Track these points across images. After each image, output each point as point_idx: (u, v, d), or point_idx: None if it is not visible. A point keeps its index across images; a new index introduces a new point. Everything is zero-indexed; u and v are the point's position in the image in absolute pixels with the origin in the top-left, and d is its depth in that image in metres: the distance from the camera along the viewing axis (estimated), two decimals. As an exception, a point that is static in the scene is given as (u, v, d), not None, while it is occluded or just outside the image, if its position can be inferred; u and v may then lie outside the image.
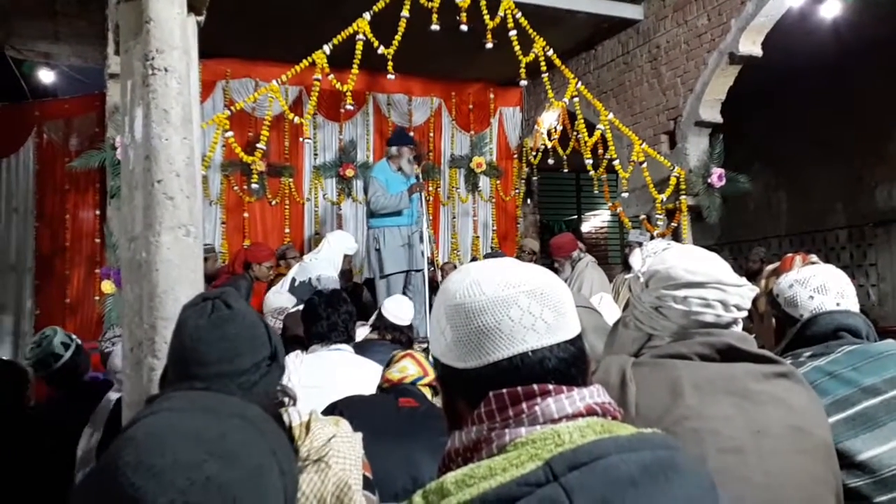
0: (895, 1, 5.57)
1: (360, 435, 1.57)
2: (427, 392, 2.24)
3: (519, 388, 0.84)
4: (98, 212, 6.83)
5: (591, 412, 0.84)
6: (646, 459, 0.78)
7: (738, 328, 1.40)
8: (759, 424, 1.25)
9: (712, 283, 1.35)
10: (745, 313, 1.39)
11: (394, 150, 6.04)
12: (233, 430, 0.72)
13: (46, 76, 7.39)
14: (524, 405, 0.83)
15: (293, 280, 5.47)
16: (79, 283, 6.90)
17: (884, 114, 7.39)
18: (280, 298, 4.65)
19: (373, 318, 3.78)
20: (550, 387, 0.84)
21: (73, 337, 3.34)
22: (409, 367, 2.27)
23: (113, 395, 2.78)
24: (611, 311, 2.97)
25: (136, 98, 2.04)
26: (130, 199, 2.05)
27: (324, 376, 2.47)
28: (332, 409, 2.07)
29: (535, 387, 0.84)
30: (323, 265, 5.47)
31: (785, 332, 1.72)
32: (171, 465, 0.66)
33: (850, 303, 1.70)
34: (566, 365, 0.86)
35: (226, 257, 6.86)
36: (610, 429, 0.82)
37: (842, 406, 1.48)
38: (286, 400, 1.53)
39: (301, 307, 3.27)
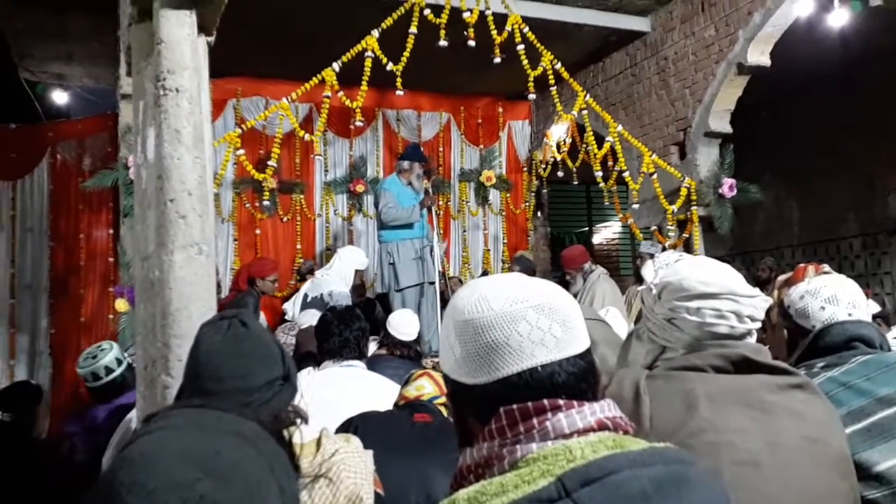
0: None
1: (370, 452, 1.57)
2: (444, 411, 2.24)
3: (529, 404, 0.84)
4: (111, 231, 6.88)
5: (602, 427, 0.84)
6: (658, 474, 0.77)
7: (752, 339, 1.39)
8: (775, 436, 1.24)
9: (726, 295, 1.34)
10: (758, 324, 1.38)
11: (406, 164, 6.07)
12: (228, 448, 0.72)
13: (60, 97, 7.47)
14: (535, 420, 0.83)
15: (305, 296, 5.49)
16: (93, 301, 6.94)
17: (894, 121, 7.35)
18: (306, 316, 4.65)
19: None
20: (561, 402, 0.84)
21: (127, 356, 3.46)
22: (427, 386, 2.27)
23: (134, 415, 2.80)
24: (618, 324, 2.96)
25: (149, 118, 2.06)
26: (143, 219, 2.07)
27: (335, 392, 2.47)
28: (347, 425, 2.08)
29: (546, 402, 0.84)
30: (335, 281, 5.49)
31: (797, 343, 1.71)
32: (164, 484, 0.66)
33: (862, 313, 1.69)
34: (576, 379, 0.86)
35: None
36: (622, 443, 0.82)
37: (857, 417, 1.47)
38: (297, 420, 1.55)
39: (313, 324, 3.29)
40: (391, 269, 5.92)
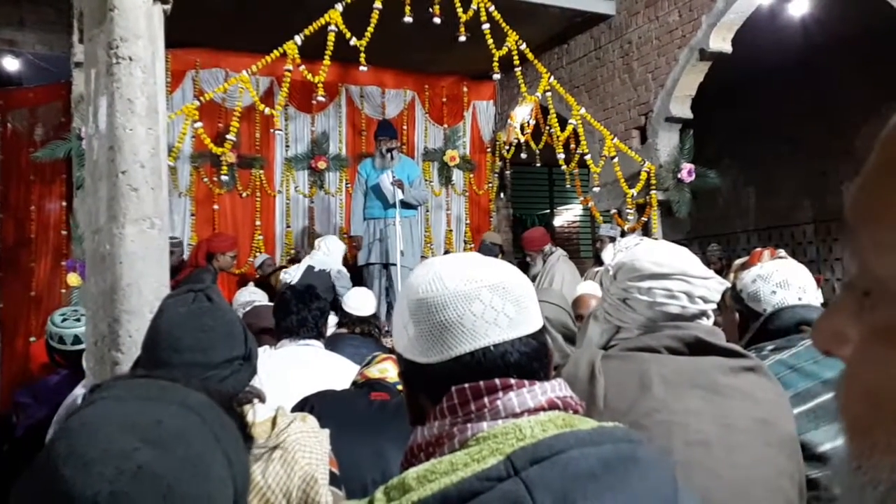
0: (853, 4, 5.66)
1: (327, 431, 1.56)
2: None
3: (481, 383, 0.84)
4: (64, 203, 6.69)
5: (552, 406, 0.85)
6: (606, 453, 0.78)
7: (709, 322, 1.41)
8: (727, 418, 1.26)
9: (677, 275, 1.37)
10: (712, 305, 1.40)
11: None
12: (170, 417, 0.71)
13: (11, 64, 7.21)
14: (486, 400, 0.83)
15: (311, 267, 5.49)
16: (44, 275, 6.76)
17: (850, 111, 7.51)
18: (244, 294, 4.67)
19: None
20: (512, 381, 0.84)
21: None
22: (390, 370, 2.26)
23: (80, 391, 2.74)
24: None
25: (101, 87, 2.00)
26: (95, 191, 2.02)
27: (292, 371, 2.46)
28: (303, 404, 2.07)
29: (497, 381, 0.84)
30: (338, 263, 5.67)
31: (748, 326, 1.75)
32: (100, 454, 0.65)
33: (812, 297, 1.73)
34: (528, 359, 0.86)
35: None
36: (571, 423, 0.82)
37: (803, 399, 1.51)
38: (254, 400, 1.54)
39: (258, 303, 3.30)
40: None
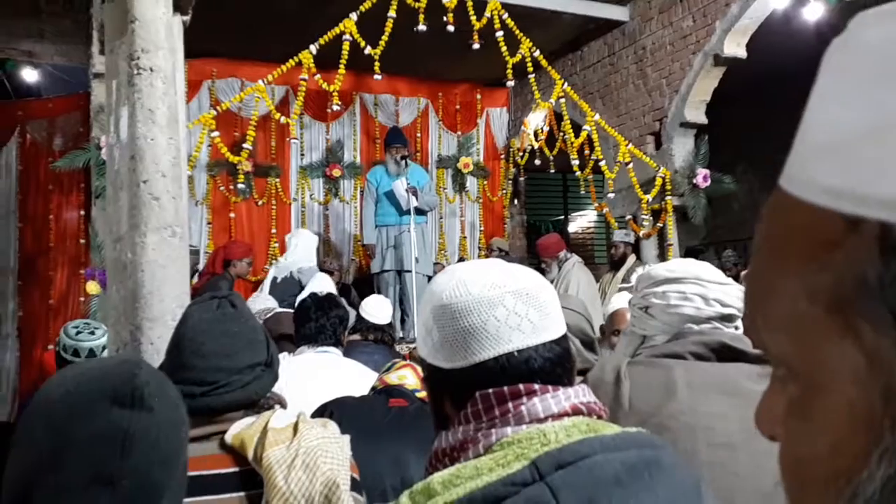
0: (870, 5, 5.64)
1: (347, 437, 1.57)
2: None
3: (505, 388, 0.84)
4: (83, 212, 6.77)
5: (576, 411, 0.85)
6: (631, 458, 0.78)
7: (740, 332, 1.42)
8: (752, 423, 1.26)
9: (690, 279, 1.41)
10: (732, 310, 1.41)
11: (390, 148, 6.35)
12: None
13: (30, 75, 7.30)
14: (510, 405, 0.84)
15: (274, 279, 5.50)
16: (63, 284, 6.84)
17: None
18: (258, 302, 4.67)
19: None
20: (536, 386, 0.85)
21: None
22: (409, 377, 2.27)
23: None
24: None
25: (122, 98, 2.03)
26: (116, 200, 2.04)
27: (309, 378, 2.47)
28: (322, 410, 2.08)
29: (521, 386, 0.84)
30: (301, 259, 5.60)
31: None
32: None
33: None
34: (551, 365, 0.87)
35: (212, 258, 6.82)
36: (595, 428, 0.83)
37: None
38: (276, 406, 1.55)
39: (279, 310, 3.32)
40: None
